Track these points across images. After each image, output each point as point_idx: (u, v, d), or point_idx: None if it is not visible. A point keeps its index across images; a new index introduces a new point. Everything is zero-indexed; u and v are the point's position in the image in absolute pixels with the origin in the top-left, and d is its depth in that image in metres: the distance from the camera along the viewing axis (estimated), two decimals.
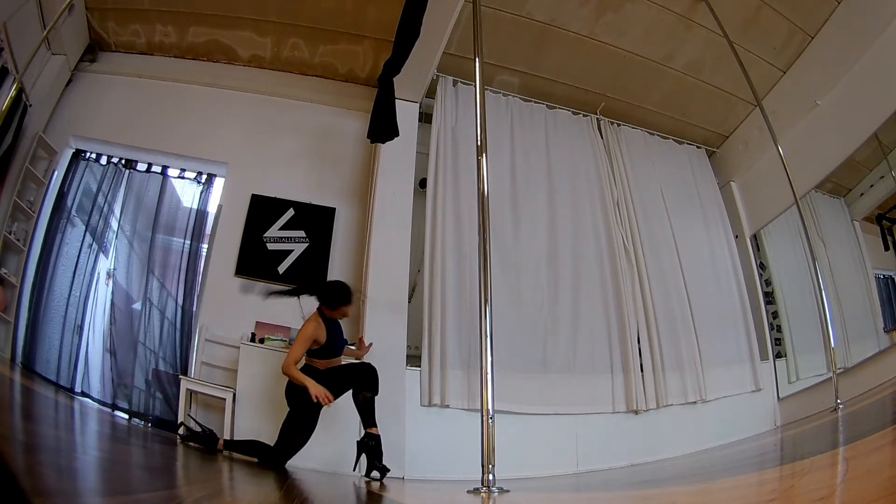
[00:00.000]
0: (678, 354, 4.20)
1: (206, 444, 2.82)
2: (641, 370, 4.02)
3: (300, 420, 2.72)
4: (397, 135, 3.58)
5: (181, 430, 2.91)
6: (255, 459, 2.76)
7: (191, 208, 4.21)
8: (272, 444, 2.73)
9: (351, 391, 2.71)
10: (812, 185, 4.42)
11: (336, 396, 2.71)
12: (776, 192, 4.41)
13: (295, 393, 2.73)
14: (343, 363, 2.94)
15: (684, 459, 3.50)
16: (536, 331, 3.88)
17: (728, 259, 4.90)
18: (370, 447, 2.61)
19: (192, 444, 2.84)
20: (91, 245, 3.95)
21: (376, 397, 2.71)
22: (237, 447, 2.85)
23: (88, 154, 4.21)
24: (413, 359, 3.58)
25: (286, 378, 2.74)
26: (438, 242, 3.83)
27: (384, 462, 2.63)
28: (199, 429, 2.90)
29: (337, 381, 2.72)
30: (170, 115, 4.34)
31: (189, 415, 3.07)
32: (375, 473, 2.60)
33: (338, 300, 2.88)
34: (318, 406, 2.69)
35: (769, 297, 4.95)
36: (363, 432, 2.67)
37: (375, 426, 2.64)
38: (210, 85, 4.49)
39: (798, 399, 4.26)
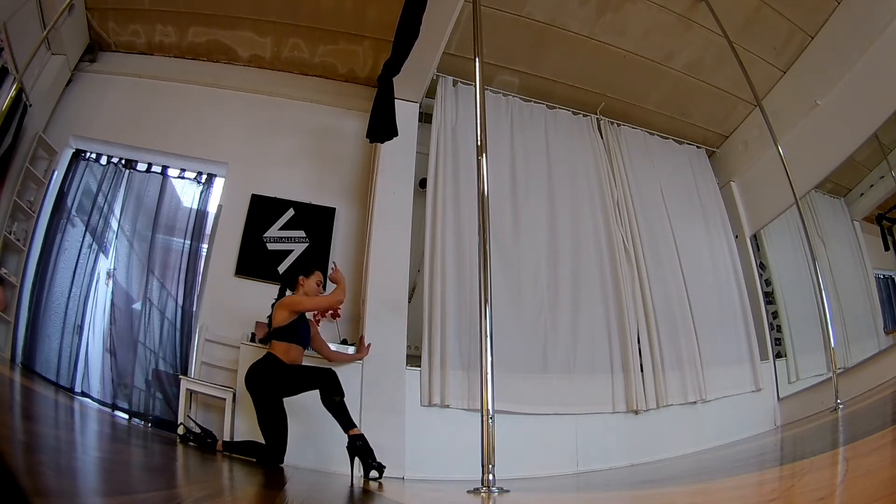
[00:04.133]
0: (678, 354, 4.20)
1: (206, 444, 2.84)
2: (641, 370, 4.01)
3: (268, 411, 2.76)
4: (396, 135, 3.59)
5: (180, 431, 2.92)
6: (254, 460, 2.77)
7: (191, 208, 4.21)
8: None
9: (319, 396, 2.71)
10: (812, 185, 4.42)
11: (294, 394, 2.83)
12: (776, 192, 4.40)
13: (254, 380, 2.80)
14: (304, 364, 3.00)
15: (684, 459, 3.50)
16: (536, 331, 3.88)
17: (728, 259, 4.90)
18: (359, 448, 2.61)
19: (191, 444, 2.85)
20: (91, 245, 3.95)
21: (346, 398, 2.73)
22: (235, 448, 2.87)
23: (88, 154, 4.21)
24: (413, 359, 3.57)
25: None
26: (438, 242, 3.82)
27: (378, 460, 2.62)
28: (198, 430, 2.91)
29: (298, 380, 2.81)
30: (170, 115, 4.34)
31: (188, 416, 3.08)
32: (374, 473, 2.60)
33: (292, 275, 3.13)
34: (279, 393, 2.80)
35: (769, 297, 4.94)
36: (347, 437, 2.66)
37: (355, 426, 2.67)
38: (210, 85, 4.49)
39: (798, 399, 4.26)
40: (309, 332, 3.07)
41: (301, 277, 3.10)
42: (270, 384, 2.79)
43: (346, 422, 2.66)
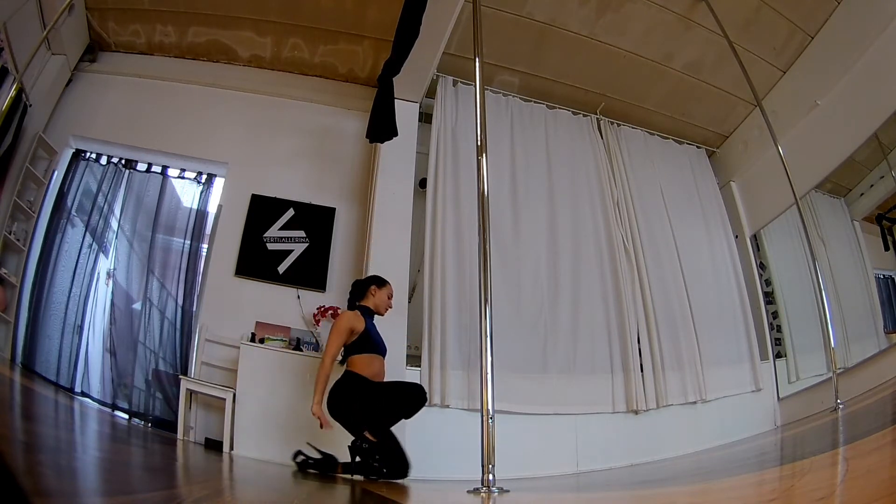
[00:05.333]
0: (678, 354, 4.20)
1: (327, 469, 2.68)
2: (641, 370, 4.01)
3: (378, 422, 2.59)
4: (396, 135, 3.59)
5: (298, 458, 2.70)
6: (376, 478, 2.60)
7: (191, 208, 4.21)
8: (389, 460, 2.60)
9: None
10: (812, 185, 4.42)
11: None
12: (776, 192, 4.40)
13: (339, 406, 2.62)
14: (395, 381, 2.83)
15: (684, 459, 3.50)
16: (536, 331, 3.88)
17: (728, 259, 4.90)
18: (363, 450, 2.57)
19: (310, 470, 2.68)
20: (91, 245, 3.95)
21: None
22: (356, 469, 2.66)
23: (88, 154, 4.21)
24: (413, 359, 3.57)
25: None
26: (438, 242, 3.82)
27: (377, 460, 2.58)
28: (318, 455, 2.71)
29: (385, 400, 2.63)
30: (170, 115, 4.34)
31: (308, 443, 2.79)
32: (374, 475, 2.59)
33: (364, 284, 2.94)
34: (367, 412, 2.59)
35: (769, 297, 4.95)
36: (356, 437, 2.60)
37: (378, 438, 2.58)
38: (210, 85, 4.49)
39: (798, 399, 4.26)
40: (380, 337, 2.87)
41: (374, 287, 2.93)
42: (358, 404, 2.60)
43: (381, 430, 2.57)
